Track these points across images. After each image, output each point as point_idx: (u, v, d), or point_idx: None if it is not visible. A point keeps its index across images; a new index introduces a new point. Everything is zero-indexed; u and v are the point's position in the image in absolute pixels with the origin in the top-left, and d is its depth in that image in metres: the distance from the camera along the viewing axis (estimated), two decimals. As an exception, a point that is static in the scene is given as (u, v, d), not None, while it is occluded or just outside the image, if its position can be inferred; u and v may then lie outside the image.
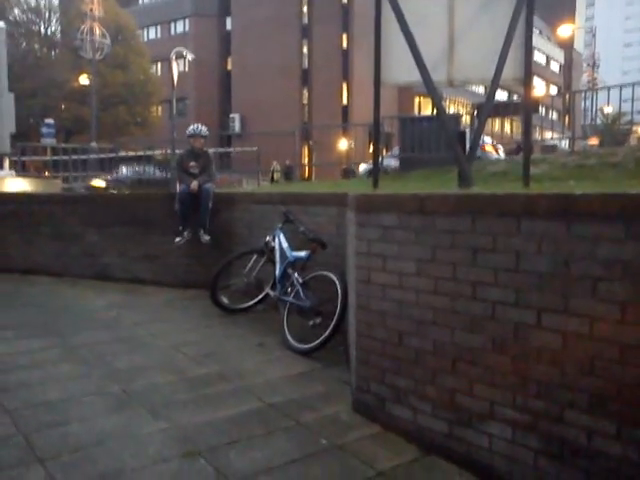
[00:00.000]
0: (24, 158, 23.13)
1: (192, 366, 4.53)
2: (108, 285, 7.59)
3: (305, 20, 43.65)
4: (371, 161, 15.95)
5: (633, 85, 9.49)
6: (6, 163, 12.63)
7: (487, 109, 6.13)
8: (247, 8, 44.27)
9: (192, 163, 7.31)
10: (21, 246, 8.44)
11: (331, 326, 4.65)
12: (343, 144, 28.74)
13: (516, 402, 2.76)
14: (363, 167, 17.24)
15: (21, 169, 17.30)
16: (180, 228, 7.20)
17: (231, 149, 19.62)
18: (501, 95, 35.13)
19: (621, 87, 9.90)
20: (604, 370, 2.44)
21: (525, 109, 6.03)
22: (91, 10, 31.03)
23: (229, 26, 47.90)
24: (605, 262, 2.43)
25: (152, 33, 51.22)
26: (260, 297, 6.04)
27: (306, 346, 4.76)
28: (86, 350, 4.89)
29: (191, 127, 7.44)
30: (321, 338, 4.68)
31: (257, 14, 43.44)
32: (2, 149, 12.52)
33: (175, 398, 3.86)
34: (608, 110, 30.13)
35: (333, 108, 40.50)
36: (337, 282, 4.76)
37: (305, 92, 43.69)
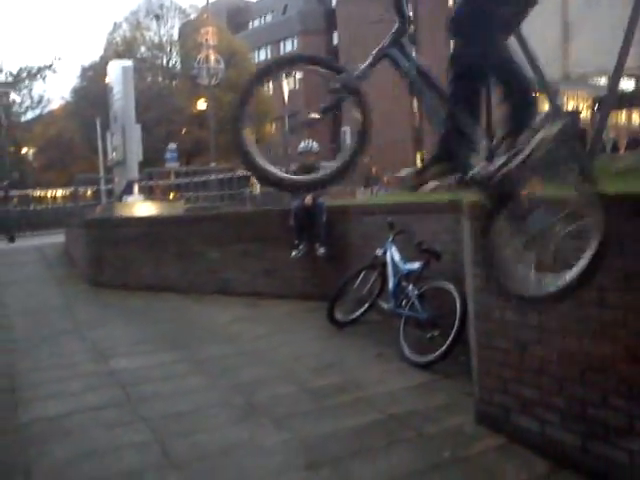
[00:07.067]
0: (151, 183, 24.75)
1: (313, 377, 4.59)
2: (230, 300, 7.86)
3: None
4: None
5: None
6: (136, 188, 13.58)
7: (609, 102, 5.76)
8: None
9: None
10: (151, 265, 9.01)
11: (450, 339, 4.47)
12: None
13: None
14: None
15: (148, 193, 18.49)
16: (296, 242, 7.34)
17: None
18: (627, 84, 32.57)
19: None
20: None
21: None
22: (206, 40, 32.81)
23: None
24: None
25: (263, 54, 53.17)
26: (365, 307, 6.01)
27: (424, 359, 4.63)
28: (211, 363, 5.11)
29: (302, 144, 7.56)
30: (439, 351, 4.51)
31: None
32: (132, 176, 13.57)
33: (297, 409, 3.94)
34: None
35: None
36: (454, 293, 4.60)
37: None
